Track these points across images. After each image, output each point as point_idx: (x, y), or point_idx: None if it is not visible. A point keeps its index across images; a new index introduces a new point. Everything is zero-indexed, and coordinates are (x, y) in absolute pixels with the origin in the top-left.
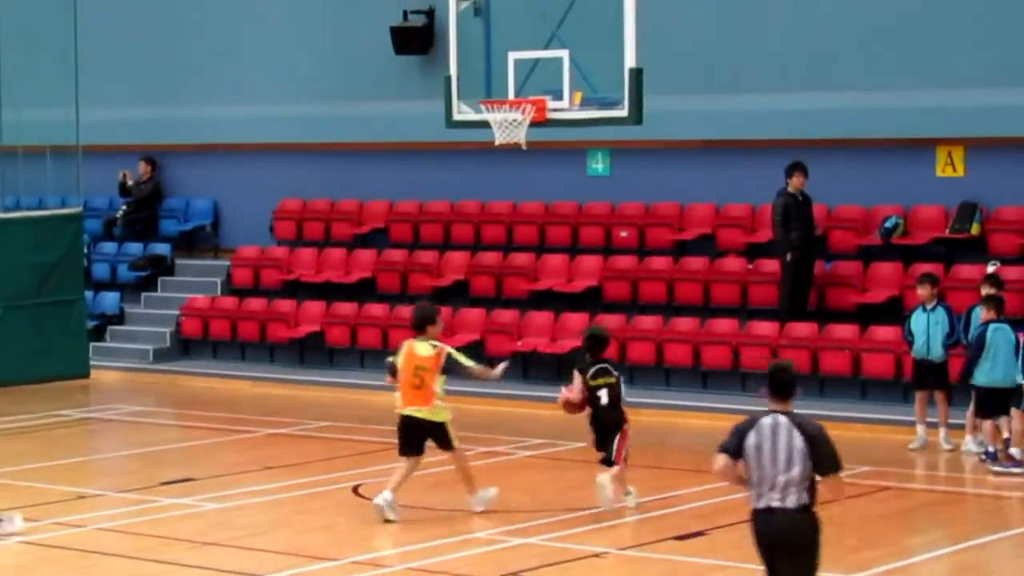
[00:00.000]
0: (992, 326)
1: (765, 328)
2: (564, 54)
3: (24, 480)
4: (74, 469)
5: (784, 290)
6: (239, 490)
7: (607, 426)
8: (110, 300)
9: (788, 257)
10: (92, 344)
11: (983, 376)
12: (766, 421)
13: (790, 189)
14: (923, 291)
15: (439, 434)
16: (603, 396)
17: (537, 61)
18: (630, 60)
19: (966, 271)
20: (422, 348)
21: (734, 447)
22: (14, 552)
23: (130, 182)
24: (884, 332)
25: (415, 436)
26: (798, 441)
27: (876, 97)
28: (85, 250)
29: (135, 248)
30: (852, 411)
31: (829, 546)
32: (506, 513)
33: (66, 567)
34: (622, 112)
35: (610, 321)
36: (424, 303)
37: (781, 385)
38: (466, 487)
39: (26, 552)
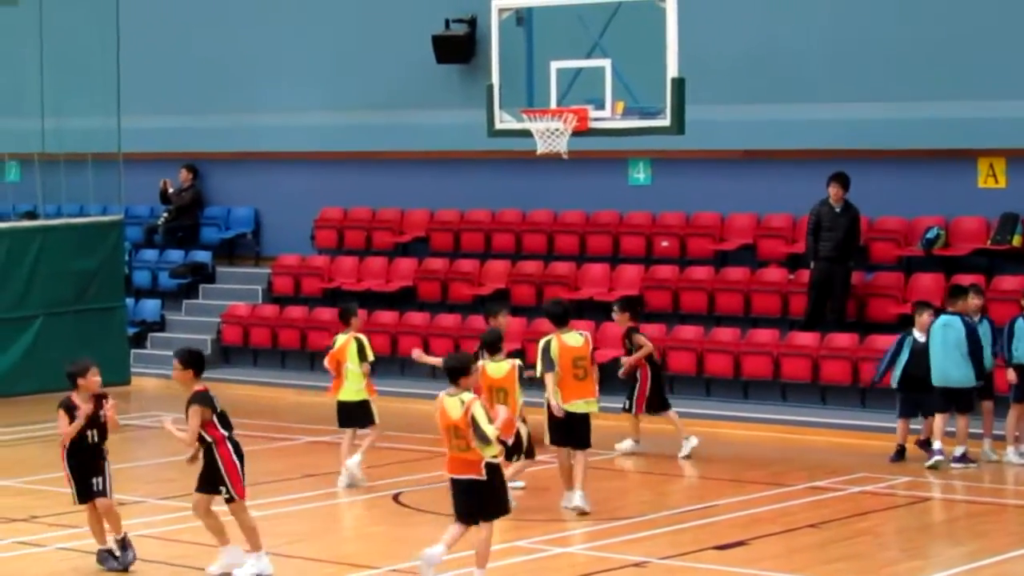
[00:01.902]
0: None
1: (805, 339)
2: (606, 63)
3: (65, 487)
4: (114, 476)
5: (809, 299)
6: (279, 498)
7: None
8: (151, 307)
9: (811, 266)
10: (133, 351)
11: None
12: None
13: (830, 200)
14: (976, 301)
15: None
16: None
17: (579, 70)
18: (672, 70)
19: (1007, 282)
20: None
21: None
22: (54, 559)
23: (171, 190)
24: None
25: None
26: None
27: (918, 108)
28: (126, 257)
29: (176, 256)
30: (891, 421)
31: (869, 559)
32: (547, 522)
33: (106, 575)
34: (664, 122)
35: (651, 330)
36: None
37: None
38: None
39: (66, 559)
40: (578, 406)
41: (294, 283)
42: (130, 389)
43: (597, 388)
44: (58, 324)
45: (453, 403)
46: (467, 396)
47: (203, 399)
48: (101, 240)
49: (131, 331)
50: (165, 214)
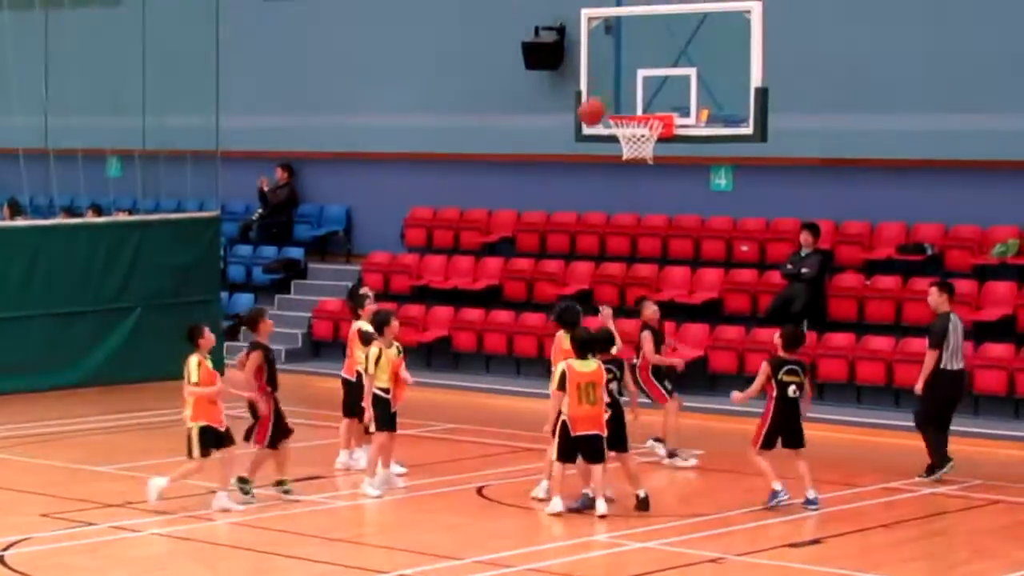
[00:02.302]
0: None
1: (880, 343)
2: (692, 72)
3: (159, 475)
4: (208, 467)
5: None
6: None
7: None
8: (244, 301)
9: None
10: (226, 344)
11: None
12: None
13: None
14: None
15: None
16: None
17: (665, 78)
18: (756, 79)
19: None
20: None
21: None
22: (148, 544)
23: (266, 188)
24: (997, 349)
25: None
26: None
27: (995, 119)
28: (222, 253)
29: (270, 252)
30: (966, 426)
31: (939, 559)
32: (626, 517)
33: (198, 560)
34: (747, 130)
35: (729, 333)
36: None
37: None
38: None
39: (160, 544)
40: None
41: (384, 280)
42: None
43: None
44: (155, 316)
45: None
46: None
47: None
48: (198, 235)
49: (225, 324)
50: (260, 211)
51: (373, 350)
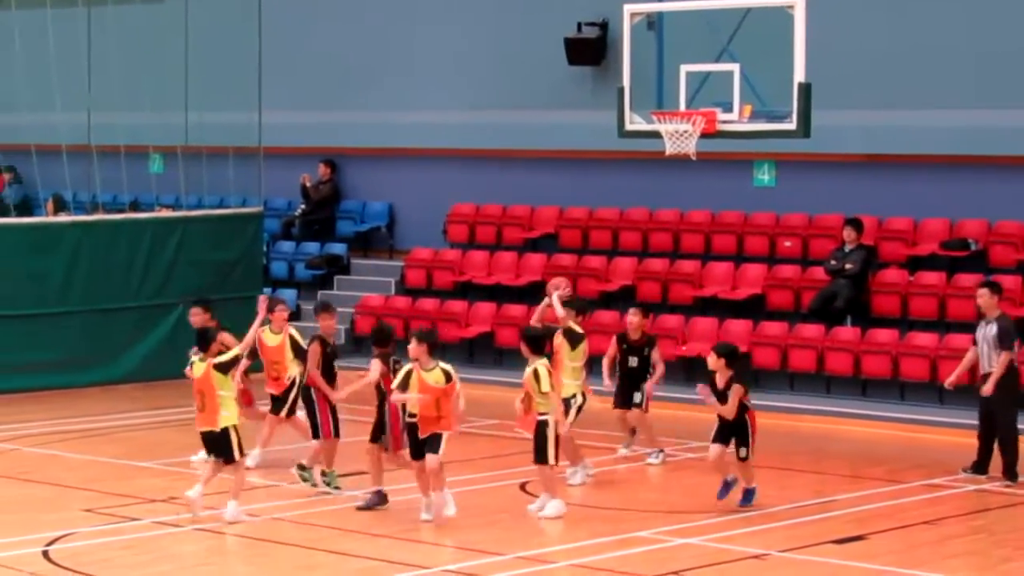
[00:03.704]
0: None
1: (925, 339)
2: (735, 68)
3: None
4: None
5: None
6: (409, 485)
7: None
8: (287, 297)
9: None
10: None
11: None
12: None
13: None
14: None
15: None
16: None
17: (708, 74)
18: (799, 75)
19: None
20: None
21: None
22: (190, 539)
23: (309, 184)
24: None
25: None
26: None
27: None
28: (264, 248)
29: (312, 248)
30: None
31: (982, 555)
32: (669, 513)
33: (242, 555)
34: (790, 125)
35: (772, 329)
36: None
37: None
38: None
39: (204, 540)
40: None
41: (426, 276)
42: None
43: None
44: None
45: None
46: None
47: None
48: (240, 231)
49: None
50: (303, 207)
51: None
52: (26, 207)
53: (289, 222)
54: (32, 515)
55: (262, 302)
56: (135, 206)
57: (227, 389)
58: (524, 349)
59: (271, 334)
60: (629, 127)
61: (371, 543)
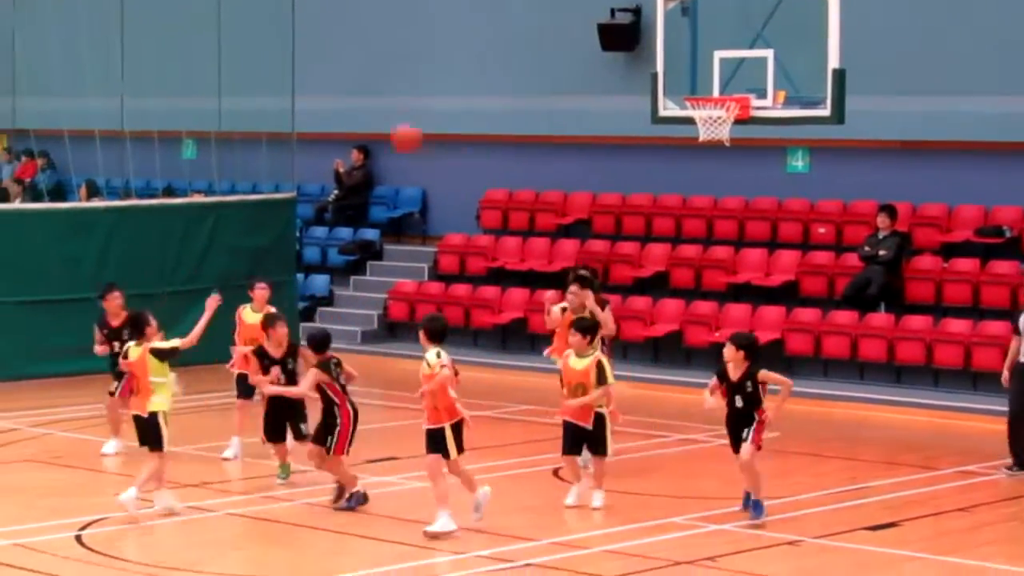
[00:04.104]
0: None
1: (957, 326)
2: (768, 54)
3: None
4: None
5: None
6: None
7: None
8: (320, 283)
9: None
10: (301, 325)
11: None
12: None
13: None
14: None
15: None
16: None
17: (742, 60)
18: (833, 61)
19: None
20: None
21: None
22: (224, 524)
23: (342, 170)
24: None
25: None
26: None
27: None
28: (297, 234)
29: (345, 233)
30: None
31: (1016, 543)
32: (701, 499)
33: (274, 540)
34: (824, 112)
35: (806, 316)
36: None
37: None
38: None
39: (238, 525)
40: None
41: (459, 262)
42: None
43: None
44: (230, 298)
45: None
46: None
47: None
48: (273, 217)
49: (300, 305)
50: (335, 193)
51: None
52: (59, 192)
53: (322, 208)
54: (65, 500)
55: (211, 301)
56: (168, 192)
57: (161, 375)
58: (579, 340)
59: (251, 312)
60: (662, 113)
61: (403, 528)
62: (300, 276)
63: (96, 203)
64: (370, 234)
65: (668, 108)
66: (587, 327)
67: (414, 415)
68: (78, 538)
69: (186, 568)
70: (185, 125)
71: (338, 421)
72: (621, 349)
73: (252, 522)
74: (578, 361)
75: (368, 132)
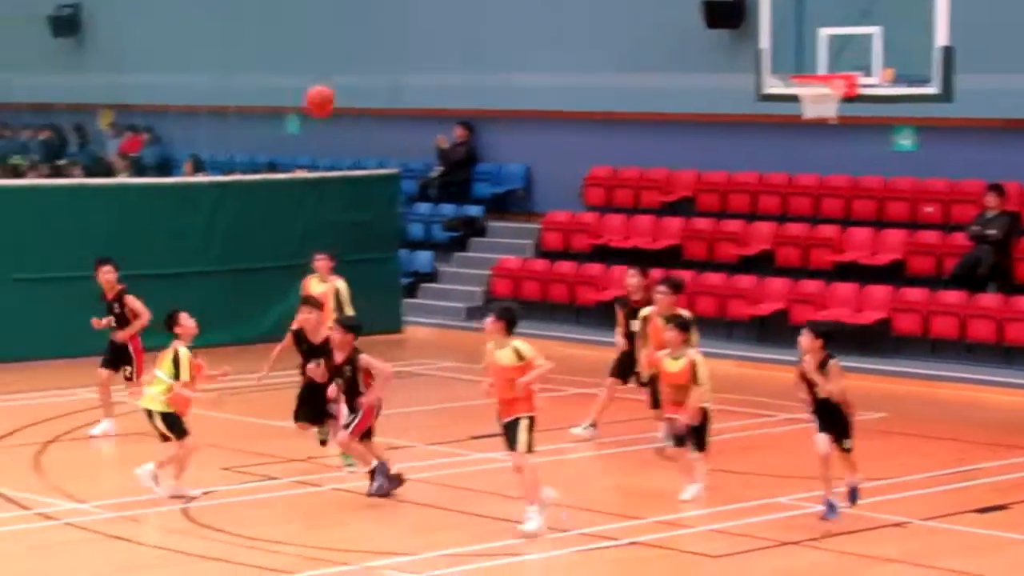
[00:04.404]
0: None
1: None
2: (875, 31)
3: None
4: (386, 421)
5: None
6: (545, 447)
7: None
8: (423, 259)
9: None
10: (405, 301)
11: None
12: None
13: None
14: None
15: None
16: None
17: (848, 37)
18: (941, 38)
19: None
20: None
21: None
22: (327, 498)
23: (445, 146)
24: None
25: None
26: None
27: None
28: (400, 210)
29: (448, 209)
30: None
31: None
32: (808, 479)
33: (375, 515)
34: (932, 89)
35: (913, 295)
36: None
37: None
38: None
39: (340, 499)
40: None
41: (563, 239)
42: (403, 337)
43: None
44: (334, 272)
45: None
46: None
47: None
48: (377, 193)
49: (404, 281)
50: (439, 169)
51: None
52: (164, 168)
53: (426, 183)
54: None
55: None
56: (272, 167)
57: (167, 374)
58: (675, 336)
59: (317, 283)
60: (768, 91)
61: (501, 504)
62: (404, 252)
63: (201, 178)
64: (474, 210)
65: (773, 86)
66: (684, 323)
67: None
68: (184, 511)
69: (288, 541)
70: (290, 101)
71: (361, 407)
72: (726, 328)
73: (355, 497)
74: (673, 363)
75: (471, 108)
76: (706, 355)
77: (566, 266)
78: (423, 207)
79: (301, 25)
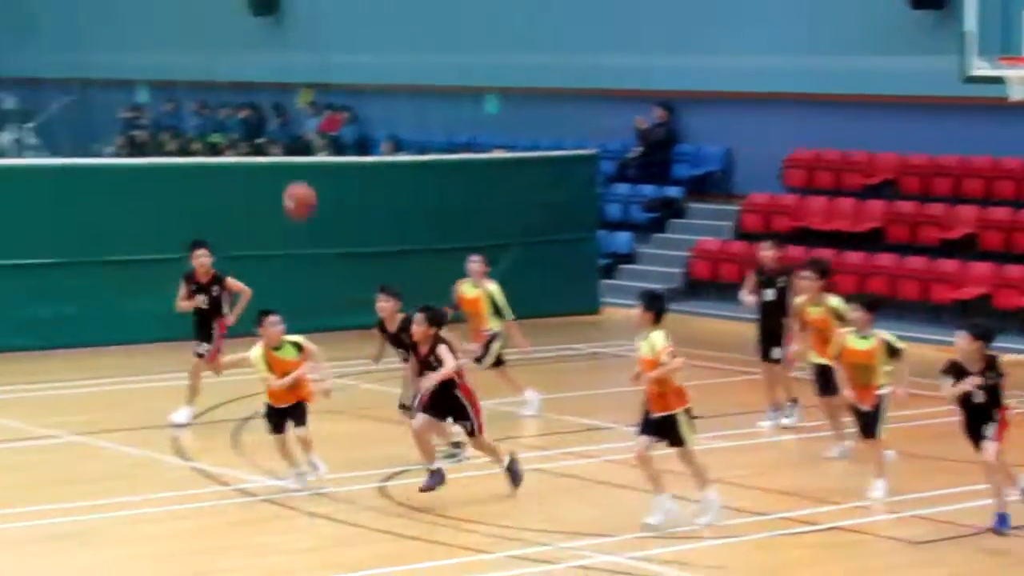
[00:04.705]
0: None
1: None
2: None
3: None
4: (584, 401)
5: None
6: (744, 430)
7: None
8: (621, 240)
9: None
10: (603, 282)
11: None
12: None
13: None
14: None
15: None
16: None
17: None
18: None
19: None
20: None
21: None
22: (531, 480)
23: (644, 127)
24: None
25: None
26: None
27: None
28: (599, 191)
29: (647, 190)
30: None
31: None
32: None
33: (579, 497)
34: None
35: None
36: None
37: None
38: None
39: (543, 480)
40: None
41: (763, 221)
42: (600, 318)
43: None
44: (531, 253)
45: None
46: None
47: None
48: (575, 173)
49: (601, 262)
50: (639, 149)
51: None
52: (362, 147)
53: (624, 164)
54: (369, 451)
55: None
56: (470, 147)
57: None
58: (862, 316)
59: (470, 287)
60: (973, 72)
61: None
62: (602, 233)
63: (400, 157)
64: (673, 191)
65: (979, 67)
66: (872, 303)
67: (717, 374)
68: (381, 489)
69: (484, 521)
70: (488, 80)
71: (466, 402)
72: (930, 312)
73: (554, 478)
74: (861, 341)
75: (671, 90)
76: (909, 340)
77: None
78: (621, 188)
79: (501, 4)
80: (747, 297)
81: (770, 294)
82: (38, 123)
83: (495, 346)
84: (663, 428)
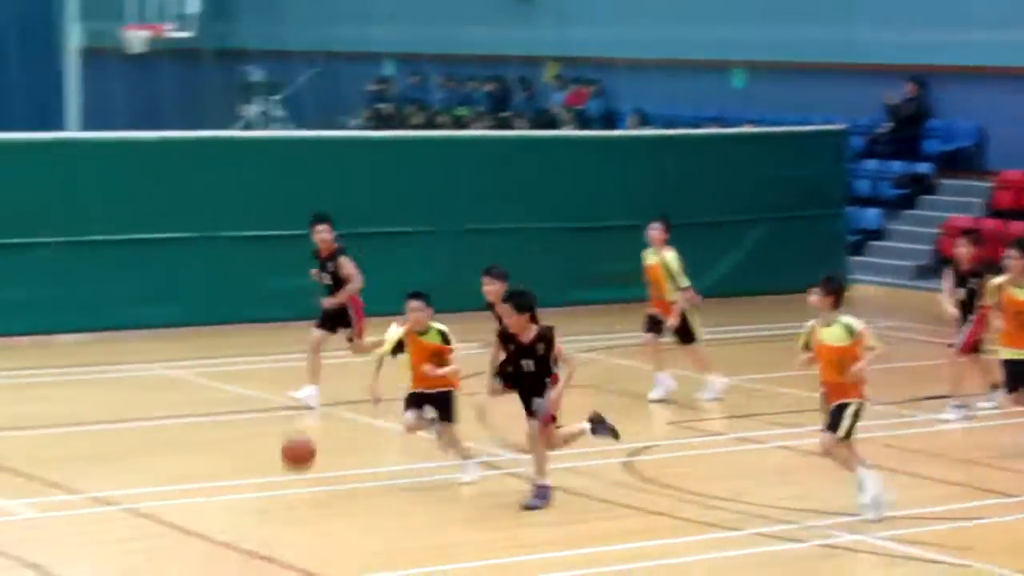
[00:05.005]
0: None
1: None
2: None
3: (777, 387)
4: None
5: None
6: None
7: None
8: (870, 216)
9: None
10: (851, 258)
11: None
12: None
13: None
14: None
15: None
16: None
17: None
18: None
19: None
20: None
21: None
22: (774, 456)
23: (894, 103)
24: None
25: None
26: None
27: None
28: (848, 167)
29: (896, 166)
30: None
31: None
32: None
33: (822, 472)
34: None
35: None
36: None
37: None
38: None
39: (788, 458)
40: None
41: (1016, 198)
42: (849, 295)
43: None
44: (779, 229)
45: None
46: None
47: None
48: (824, 149)
49: (850, 239)
50: (888, 125)
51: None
52: (608, 121)
53: (873, 140)
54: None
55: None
56: (717, 121)
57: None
58: None
59: (651, 254)
60: None
61: (953, 468)
62: (851, 209)
63: (645, 132)
64: (923, 168)
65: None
66: None
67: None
68: (627, 464)
69: (731, 498)
70: (735, 54)
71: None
72: None
73: (800, 455)
74: None
75: (924, 64)
76: None
77: (1019, 226)
78: (871, 164)
79: None
80: (950, 309)
81: (960, 293)
82: (285, 96)
83: (695, 321)
84: (833, 415)
